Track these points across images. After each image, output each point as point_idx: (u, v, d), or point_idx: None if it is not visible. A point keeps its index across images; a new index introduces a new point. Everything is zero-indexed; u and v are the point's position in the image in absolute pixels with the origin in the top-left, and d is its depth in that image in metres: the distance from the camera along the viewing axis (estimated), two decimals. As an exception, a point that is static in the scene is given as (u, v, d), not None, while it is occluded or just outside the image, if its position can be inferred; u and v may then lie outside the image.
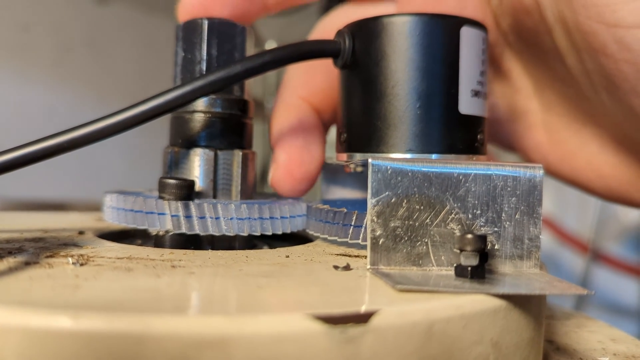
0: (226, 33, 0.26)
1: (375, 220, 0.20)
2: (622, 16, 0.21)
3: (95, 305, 0.14)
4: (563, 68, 0.26)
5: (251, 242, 0.27)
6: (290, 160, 0.26)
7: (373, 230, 0.20)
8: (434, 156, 0.23)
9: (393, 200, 0.20)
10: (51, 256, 0.20)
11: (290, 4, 0.29)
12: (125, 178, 1.07)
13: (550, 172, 0.30)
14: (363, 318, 0.14)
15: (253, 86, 0.28)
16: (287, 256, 0.22)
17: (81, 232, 0.26)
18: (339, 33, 0.25)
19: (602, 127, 0.27)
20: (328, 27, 0.30)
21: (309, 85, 0.28)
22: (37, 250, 0.21)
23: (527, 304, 0.18)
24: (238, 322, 0.14)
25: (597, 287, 0.69)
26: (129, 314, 0.14)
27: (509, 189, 0.20)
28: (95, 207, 0.45)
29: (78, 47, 1.06)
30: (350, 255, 0.23)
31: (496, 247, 0.20)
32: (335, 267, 0.20)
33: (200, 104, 0.25)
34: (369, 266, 0.20)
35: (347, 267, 0.20)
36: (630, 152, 0.27)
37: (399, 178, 0.20)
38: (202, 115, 0.25)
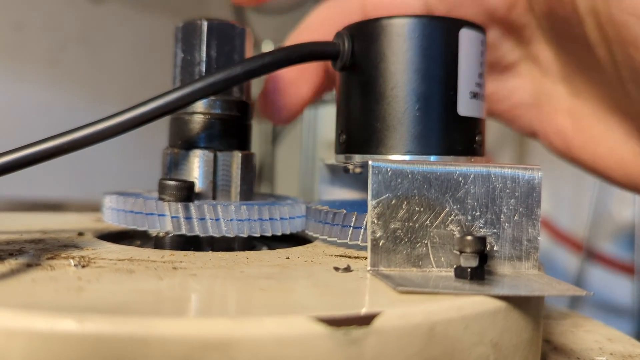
0: (225, 34, 0.26)
1: (376, 221, 0.20)
2: None
3: (100, 308, 0.14)
4: (593, 58, 0.27)
5: (250, 243, 0.27)
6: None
7: (373, 232, 0.20)
8: (432, 158, 0.23)
9: (393, 201, 0.20)
10: (52, 258, 0.20)
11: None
12: (122, 178, 1.07)
13: (570, 158, 0.31)
14: (366, 320, 0.15)
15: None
16: (287, 257, 0.22)
17: (81, 234, 0.26)
18: (338, 35, 0.25)
19: (628, 116, 0.28)
20: (315, 23, 0.30)
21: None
22: (37, 251, 0.21)
23: (527, 305, 0.18)
24: (242, 325, 0.14)
25: (592, 285, 0.69)
26: (133, 316, 0.14)
27: (507, 190, 0.20)
28: (92, 207, 0.45)
29: (73, 46, 1.06)
30: (350, 257, 0.23)
31: (495, 248, 0.20)
32: (336, 269, 0.20)
33: (200, 105, 0.25)
34: (369, 267, 0.20)
35: (347, 269, 0.20)
36: None
37: (399, 180, 0.20)
38: (202, 116, 0.26)
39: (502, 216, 0.20)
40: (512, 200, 0.20)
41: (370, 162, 0.20)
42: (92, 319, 0.13)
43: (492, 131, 0.32)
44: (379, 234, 0.20)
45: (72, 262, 0.19)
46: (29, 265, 0.19)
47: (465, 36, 0.24)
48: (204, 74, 0.26)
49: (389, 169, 0.20)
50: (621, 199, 0.69)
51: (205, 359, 0.13)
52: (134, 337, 0.13)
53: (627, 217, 0.68)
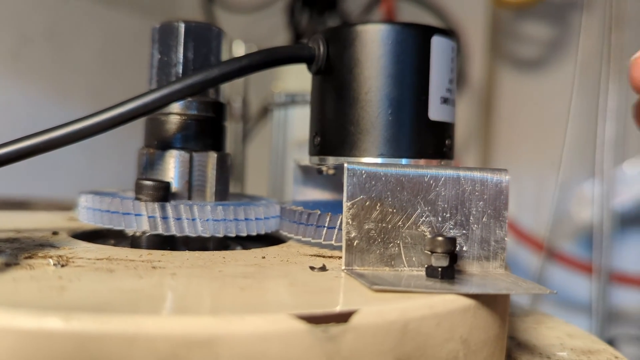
0: (202, 36, 0.26)
1: (350, 222, 0.20)
2: None
3: (85, 307, 0.15)
4: None
5: (224, 243, 0.27)
6: None
7: (348, 233, 0.20)
8: (404, 161, 0.24)
9: (367, 203, 0.21)
10: (30, 257, 0.20)
11: None
12: (86, 177, 1.05)
13: None
14: (343, 317, 0.15)
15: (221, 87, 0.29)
16: (264, 257, 0.22)
17: (55, 233, 0.26)
18: (314, 39, 0.25)
19: None
20: None
21: None
22: (14, 251, 0.21)
23: (494, 303, 0.19)
24: (225, 322, 0.14)
25: (552, 284, 0.71)
26: (119, 315, 0.14)
27: (476, 193, 0.21)
28: (59, 206, 0.45)
29: (38, 40, 1.04)
30: (324, 256, 0.23)
31: (464, 248, 0.21)
32: (312, 268, 0.21)
33: (176, 106, 0.26)
34: (343, 267, 0.20)
35: (323, 268, 0.21)
36: None
37: (373, 182, 0.21)
38: (178, 117, 0.26)
39: (471, 218, 0.21)
40: (481, 203, 0.21)
41: (345, 165, 0.21)
42: (78, 317, 0.14)
43: (458, 133, 0.33)
44: (353, 234, 0.20)
45: (51, 261, 0.19)
46: (7, 265, 0.19)
47: (437, 43, 0.24)
48: (180, 76, 0.26)
49: (363, 172, 0.21)
50: (580, 200, 0.71)
51: (190, 356, 0.14)
52: (120, 335, 0.14)
53: (586, 218, 0.71)
